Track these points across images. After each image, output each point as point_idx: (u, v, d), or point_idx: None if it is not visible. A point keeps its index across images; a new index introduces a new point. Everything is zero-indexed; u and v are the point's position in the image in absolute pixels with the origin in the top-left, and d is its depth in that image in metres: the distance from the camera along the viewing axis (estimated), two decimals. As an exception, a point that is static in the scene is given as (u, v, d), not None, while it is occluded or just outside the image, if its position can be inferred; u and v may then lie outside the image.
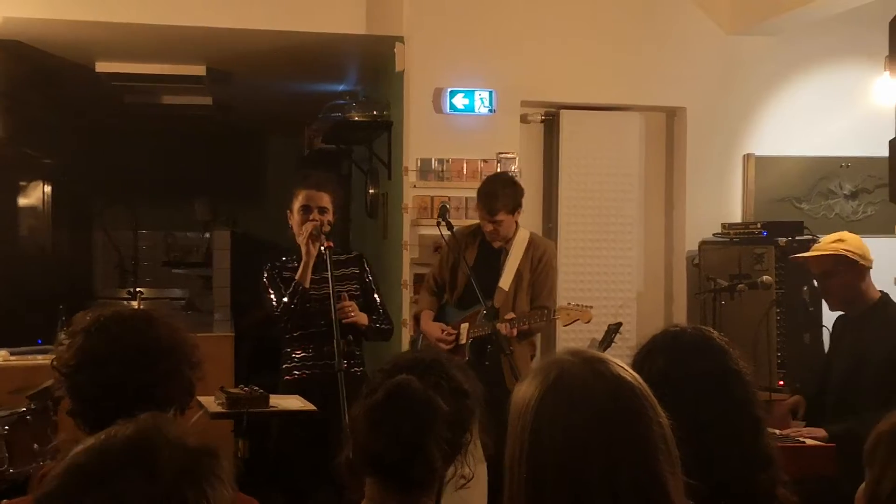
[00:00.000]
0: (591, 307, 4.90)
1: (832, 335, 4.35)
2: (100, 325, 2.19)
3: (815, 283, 4.19)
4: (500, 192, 4.94)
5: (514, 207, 4.98)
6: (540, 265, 5.02)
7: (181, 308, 9.19)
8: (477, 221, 5.16)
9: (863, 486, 1.79)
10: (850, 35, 6.05)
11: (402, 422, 1.92)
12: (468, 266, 4.93)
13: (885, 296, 4.04)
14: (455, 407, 1.99)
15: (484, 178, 5.36)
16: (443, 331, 4.98)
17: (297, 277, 4.45)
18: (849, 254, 3.96)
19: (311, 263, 4.44)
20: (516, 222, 5.04)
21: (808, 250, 4.57)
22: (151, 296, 9.59)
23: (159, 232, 10.74)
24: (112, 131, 9.68)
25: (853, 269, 3.97)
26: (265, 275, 4.60)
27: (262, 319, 5.09)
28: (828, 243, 4.07)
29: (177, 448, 1.21)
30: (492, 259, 5.03)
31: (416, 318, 5.24)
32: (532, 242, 5.06)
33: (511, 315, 4.82)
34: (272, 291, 4.54)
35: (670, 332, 2.09)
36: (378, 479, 1.96)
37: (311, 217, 4.49)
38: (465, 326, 4.97)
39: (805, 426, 4.04)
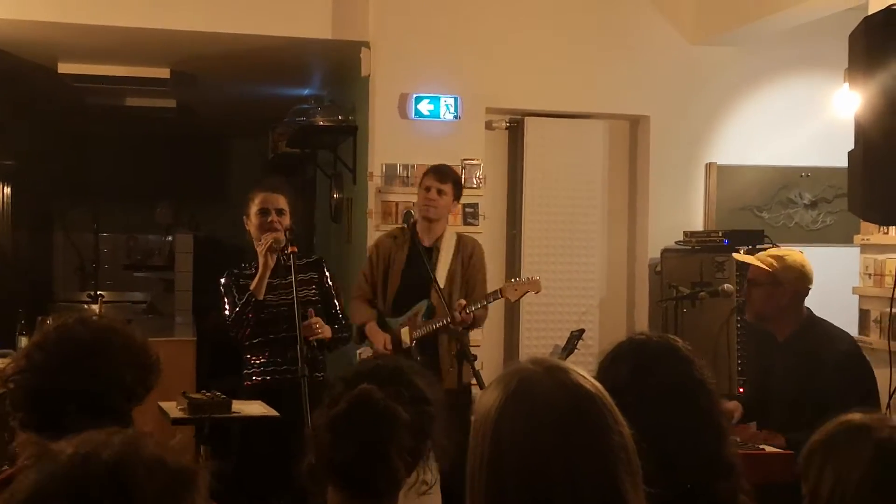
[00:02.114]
0: (538, 277, 4.92)
1: (756, 350, 4.31)
2: (34, 335, 2.19)
3: (745, 285, 4.19)
4: (451, 170, 5.07)
5: (458, 192, 5.05)
6: (471, 261, 5.01)
7: (142, 311, 9.12)
8: (396, 227, 5.23)
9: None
10: (810, 47, 6.13)
11: (364, 433, 1.92)
12: (402, 265, 4.94)
13: (809, 314, 4.00)
14: (417, 415, 2.00)
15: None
16: (385, 344, 4.89)
17: (251, 287, 4.39)
18: (777, 274, 3.93)
19: (267, 275, 4.36)
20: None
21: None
22: (112, 299, 9.52)
23: (121, 234, 10.65)
24: (74, 133, 9.59)
25: (777, 290, 3.94)
26: (222, 281, 4.53)
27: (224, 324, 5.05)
28: (768, 255, 4.05)
29: (155, 472, 1.18)
30: (422, 259, 4.98)
31: (360, 330, 5.07)
32: (461, 241, 5.06)
33: (462, 301, 4.80)
34: (227, 300, 4.49)
35: (636, 340, 2.09)
36: (340, 489, 1.96)
37: (269, 219, 4.45)
38: (405, 330, 4.92)
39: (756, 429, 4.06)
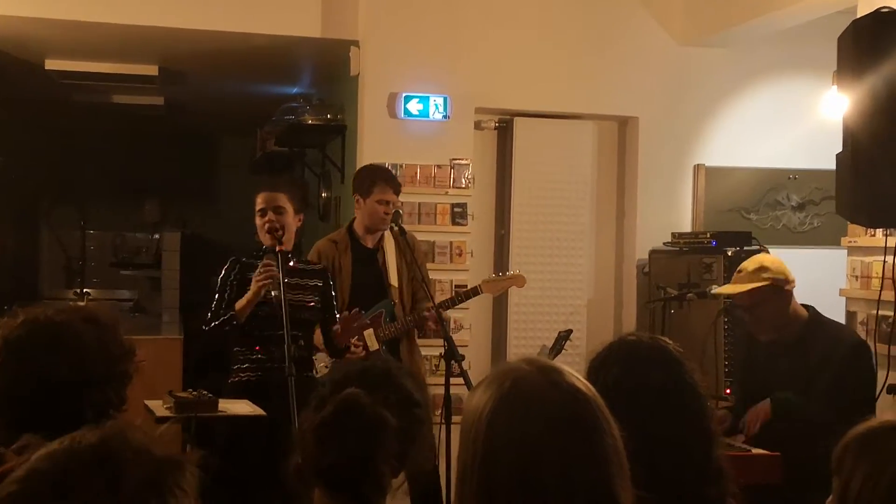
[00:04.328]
0: (520, 272, 4.91)
1: (754, 354, 4.30)
2: None
3: (744, 314, 4.14)
4: (395, 176, 5.06)
5: None
6: (413, 254, 5.00)
7: (129, 310, 9.09)
8: (330, 234, 5.14)
9: (830, 498, 1.81)
10: (799, 49, 6.14)
11: (351, 438, 1.90)
12: (351, 267, 4.90)
13: (812, 312, 4.04)
14: (405, 419, 1.98)
15: (362, 169, 5.29)
16: (359, 346, 4.82)
17: (236, 308, 4.35)
18: (774, 282, 3.95)
19: (255, 303, 4.32)
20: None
21: (752, 256, 4.62)
22: (99, 297, 9.46)
23: (108, 232, 10.60)
24: (61, 130, 9.55)
25: (781, 295, 3.96)
26: (221, 274, 4.48)
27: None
28: (750, 273, 4.01)
29: (142, 457, 1.19)
30: (369, 261, 4.98)
31: None
32: (397, 235, 5.03)
33: (430, 304, 4.77)
34: (218, 294, 4.45)
35: (627, 341, 2.08)
36: (327, 492, 1.94)
37: (267, 218, 4.44)
38: (369, 333, 4.86)
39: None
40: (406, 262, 4.97)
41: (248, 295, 4.33)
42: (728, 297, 4.37)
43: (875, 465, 1.74)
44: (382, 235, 4.99)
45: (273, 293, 4.27)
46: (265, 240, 4.45)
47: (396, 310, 4.94)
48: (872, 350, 4.08)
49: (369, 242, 4.98)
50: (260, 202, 4.49)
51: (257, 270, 4.33)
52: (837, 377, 3.82)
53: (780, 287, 3.95)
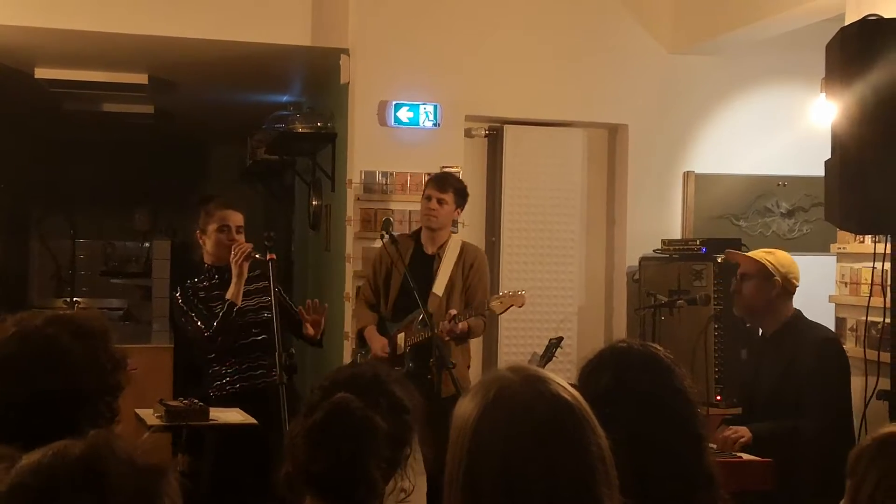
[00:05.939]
0: (524, 291, 4.94)
1: (751, 352, 4.42)
2: None
3: (734, 280, 4.27)
4: (452, 178, 5.15)
5: (460, 200, 5.10)
6: (472, 271, 5.06)
7: (119, 318, 9.07)
8: (414, 229, 5.25)
9: (843, 500, 1.84)
10: (788, 57, 6.16)
11: (342, 443, 1.90)
12: (403, 271, 4.93)
13: (797, 313, 4.12)
14: (395, 424, 1.98)
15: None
16: (382, 349, 4.96)
17: (228, 296, 4.36)
18: (769, 266, 4.06)
19: (243, 283, 4.38)
20: (452, 227, 5.14)
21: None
22: (89, 305, 9.44)
23: (98, 241, 10.58)
24: (51, 138, 9.53)
25: (767, 282, 4.06)
26: (179, 300, 4.49)
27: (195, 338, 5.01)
28: (759, 251, 4.23)
29: (127, 467, 1.18)
30: (424, 266, 5.04)
31: (360, 334, 5.17)
32: (464, 249, 5.12)
33: (452, 311, 4.81)
34: (194, 314, 4.44)
35: (617, 348, 2.07)
36: (318, 499, 1.94)
37: (230, 237, 4.48)
38: (401, 336, 4.96)
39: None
40: (463, 274, 5.03)
41: (234, 280, 4.37)
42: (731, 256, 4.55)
43: (888, 469, 1.77)
44: (445, 244, 5.06)
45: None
46: (220, 255, 4.48)
47: (436, 318, 4.91)
48: (842, 345, 4.19)
49: (429, 248, 5.07)
50: (219, 219, 4.52)
51: (232, 253, 4.37)
52: (809, 373, 3.89)
53: (769, 272, 4.06)
